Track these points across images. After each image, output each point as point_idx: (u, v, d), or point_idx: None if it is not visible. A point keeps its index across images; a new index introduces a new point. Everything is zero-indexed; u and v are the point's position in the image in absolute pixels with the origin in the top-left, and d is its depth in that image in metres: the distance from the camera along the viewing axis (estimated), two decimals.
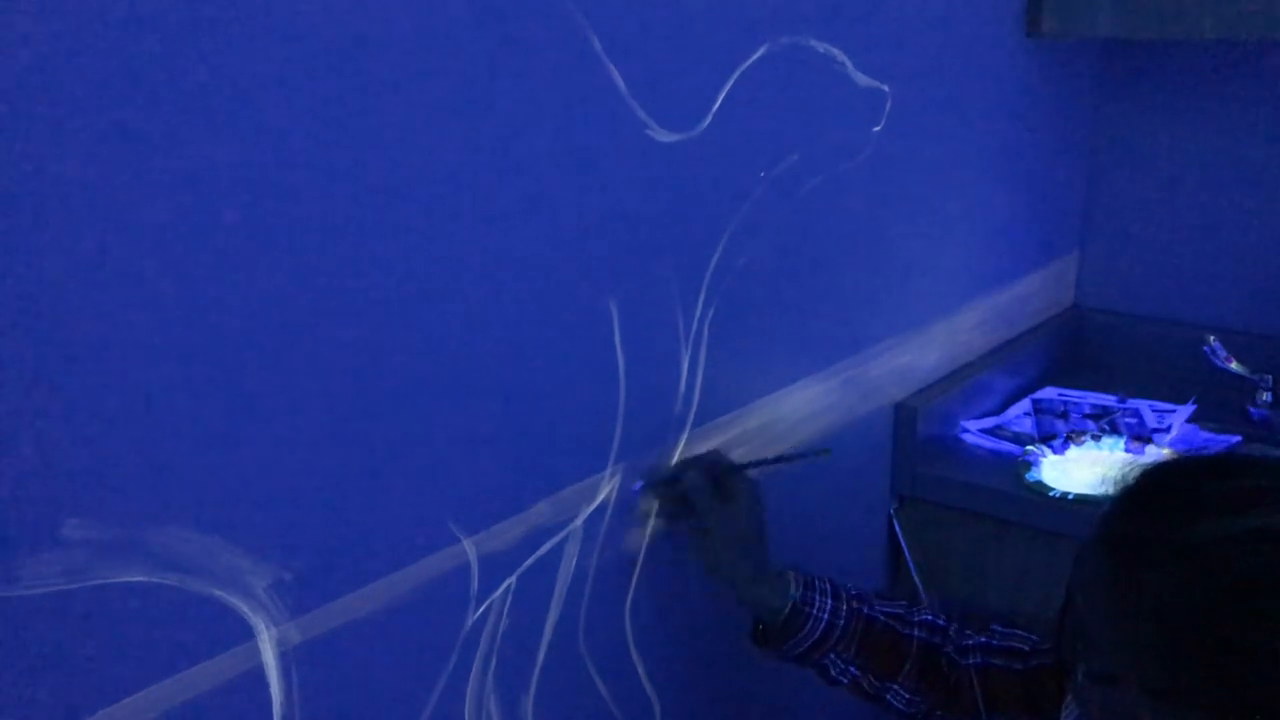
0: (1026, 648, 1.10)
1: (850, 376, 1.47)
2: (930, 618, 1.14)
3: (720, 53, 1.14)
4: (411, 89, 0.86)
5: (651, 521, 1.18)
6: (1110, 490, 0.86)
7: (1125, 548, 0.81)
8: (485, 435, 0.99)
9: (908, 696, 1.13)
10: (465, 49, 0.90)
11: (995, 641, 1.11)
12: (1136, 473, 0.85)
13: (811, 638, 1.12)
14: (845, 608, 1.13)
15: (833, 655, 1.13)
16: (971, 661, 1.10)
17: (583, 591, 1.12)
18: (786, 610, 1.12)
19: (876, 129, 1.40)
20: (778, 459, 1.23)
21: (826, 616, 1.12)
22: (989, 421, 1.73)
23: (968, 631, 1.13)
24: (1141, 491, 0.84)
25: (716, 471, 1.15)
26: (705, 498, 1.12)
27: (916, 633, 1.13)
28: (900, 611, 1.15)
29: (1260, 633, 0.75)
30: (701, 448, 1.21)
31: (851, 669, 1.13)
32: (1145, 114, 1.94)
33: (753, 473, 1.18)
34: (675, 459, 1.19)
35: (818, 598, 1.13)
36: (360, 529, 0.89)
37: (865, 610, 1.13)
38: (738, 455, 1.24)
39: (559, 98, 0.98)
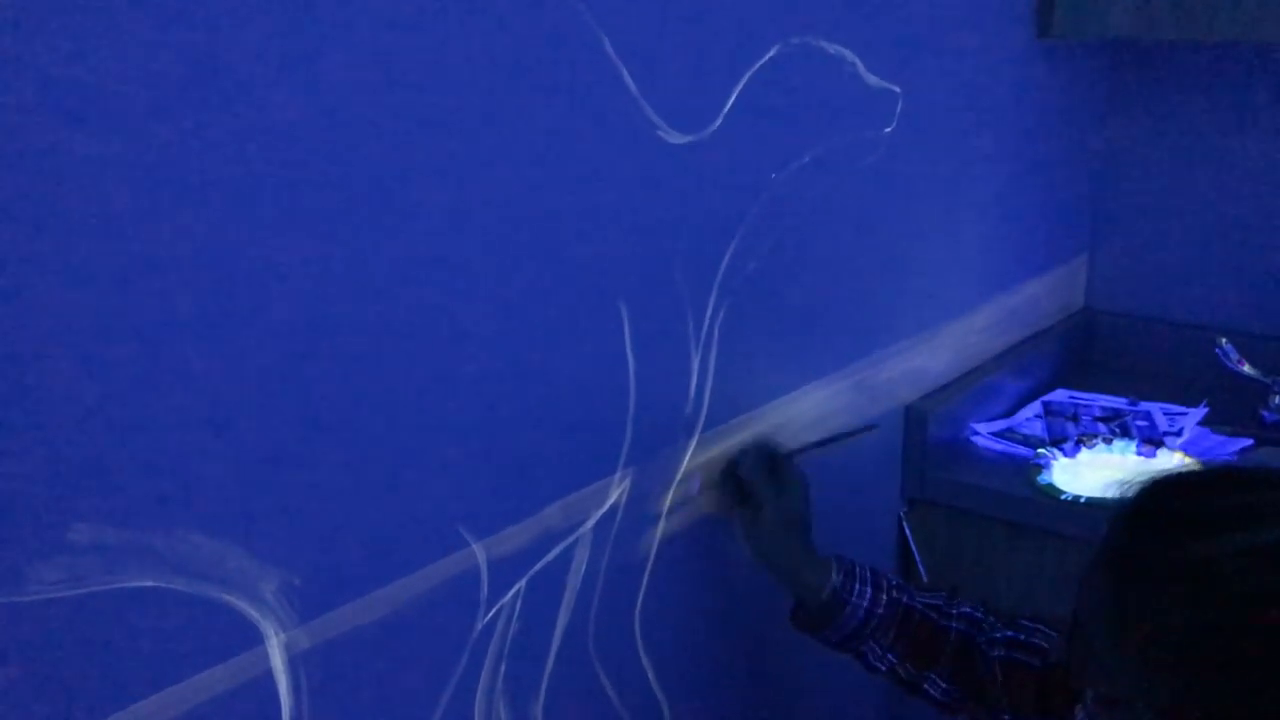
0: (1047, 645, 1.09)
1: (860, 379, 1.46)
2: (969, 609, 1.15)
3: (731, 54, 1.14)
4: (421, 90, 0.86)
5: (661, 525, 1.18)
6: (1112, 505, 0.85)
7: (1129, 569, 0.80)
8: (495, 439, 0.98)
9: (944, 686, 1.13)
10: (475, 51, 0.89)
11: (1021, 636, 1.11)
12: (1135, 491, 0.84)
13: (850, 625, 1.13)
14: (885, 597, 1.14)
15: (871, 642, 1.14)
16: (997, 654, 1.10)
17: (592, 595, 1.11)
18: (826, 596, 1.13)
19: (888, 130, 1.39)
20: (825, 441, 1.24)
21: (866, 604, 1.13)
22: (999, 424, 1.72)
23: (997, 623, 1.13)
24: (1142, 511, 0.83)
25: (769, 458, 1.18)
26: (760, 484, 1.16)
27: (954, 624, 1.13)
28: (939, 603, 1.15)
29: (1271, 649, 0.74)
30: (712, 451, 1.21)
31: (889, 656, 1.14)
32: (1156, 115, 1.93)
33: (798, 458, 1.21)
34: (686, 460, 1.18)
35: (858, 585, 1.14)
36: (369, 533, 0.89)
37: (905, 600, 1.14)
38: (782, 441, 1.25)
39: (570, 99, 0.98)
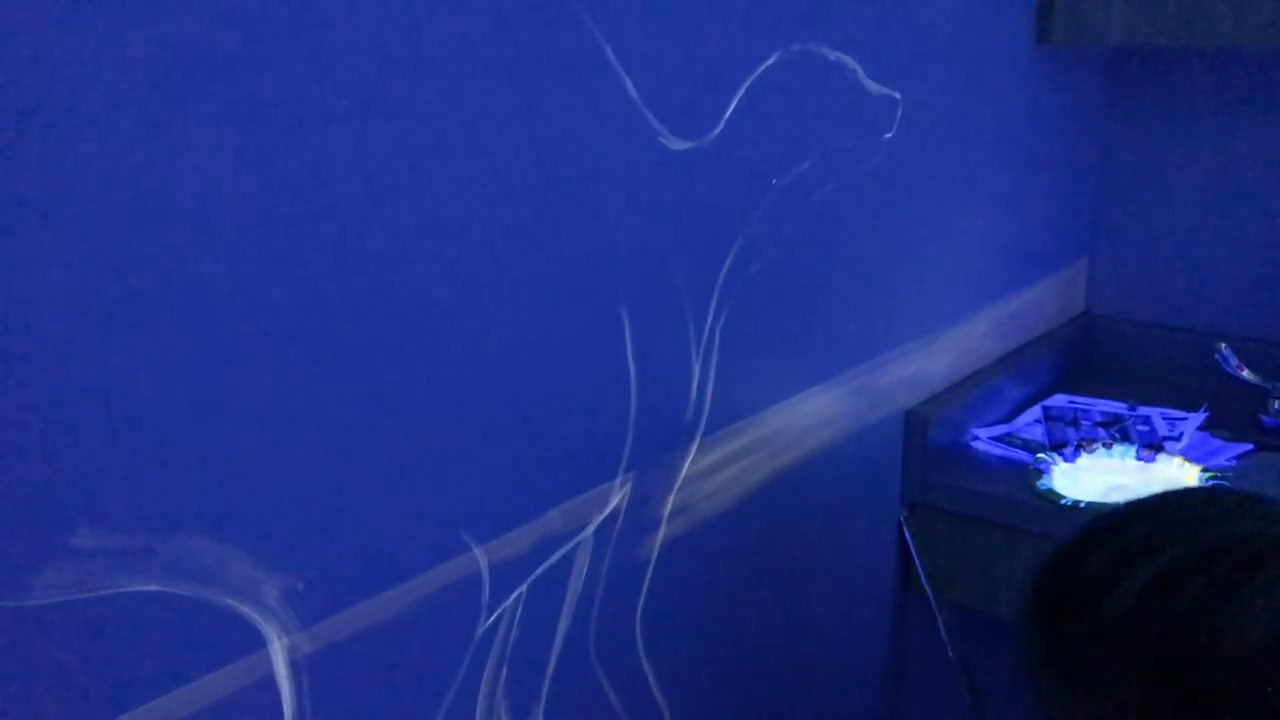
0: None
1: (861, 384, 1.46)
2: None
3: (732, 60, 1.14)
4: (424, 96, 0.86)
5: (662, 529, 1.18)
6: (1013, 613, 0.84)
7: (1056, 660, 0.79)
8: (496, 444, 0.98)
9: None
10: (479, 58, 0.90)
11: None
12: (1036, 575, 0.83)
13: None
14: None
15: None
16: None
17: (593, 600, 1.11)
18: None
19: (888, 136, 1.39)
20: None
21: None
22: (999, 429, 1.72)
23: None
24: (1045, 594, 0.82)
25: None
26: None
27: None
28: None
29: (1203, 678, 0.74)
30: (712, 457, 1.21)
31: None
32: (1156, 121, 1.93)
33: None
34: (687, 465, 1.19)
35: None
36: (371, 537, 0.89)
37: None
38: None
39: (572, 105, 0.98)
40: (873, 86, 1.34)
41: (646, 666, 1.20)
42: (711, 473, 1.23)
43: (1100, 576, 0.78)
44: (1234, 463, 1.63)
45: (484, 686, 1.01)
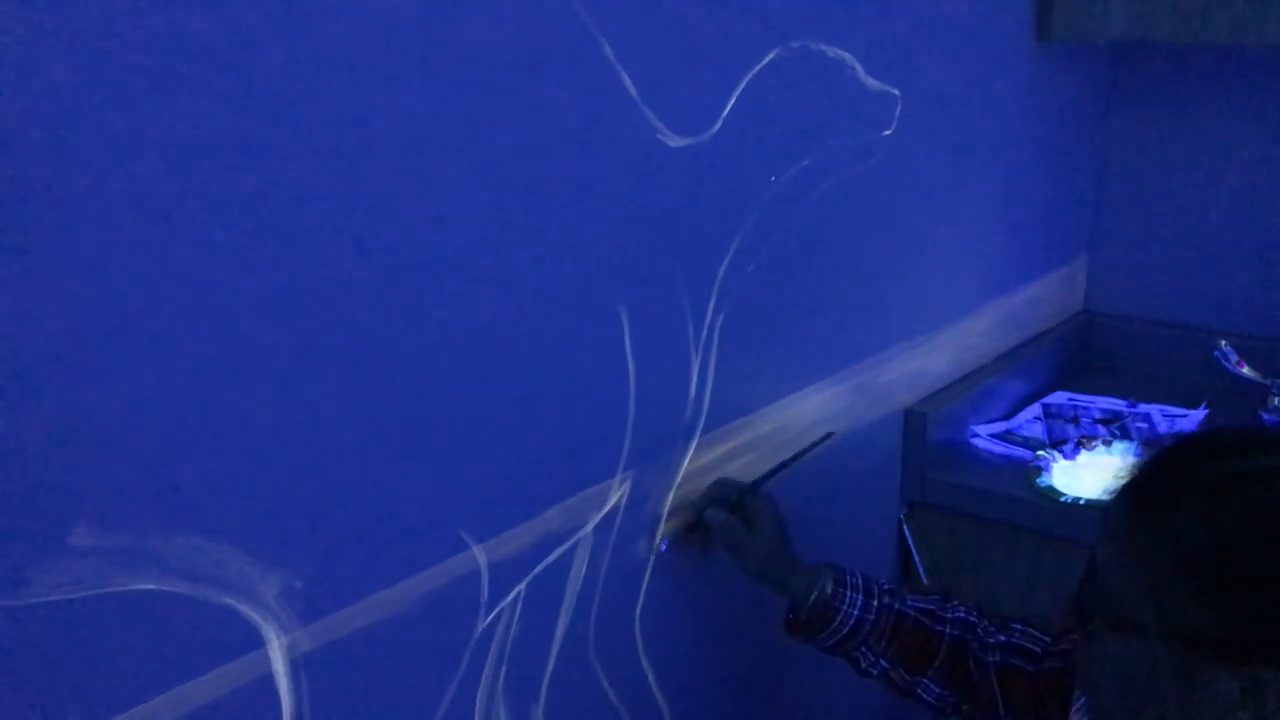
0: (1038, 649, 1.10)
1: (860, 382, 1.46)
2: (963, 614, 1.16)
3: (731, 58, 1.14)
4: (423, 94, 0.86)
5: (662, 528, 1.18)
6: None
7: (1147, 490, 0.81)
8: (495, 442, 0.98)
9: (937, 691, 1.14)
10: (478, 55, 0.89)
11: (1014, 640, 1.11)
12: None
13: (841, 632, 1.15)
14: (877, 603, 1.15)
15: (864, 648, 1.15)
16: (992, 659, 1.11)
17: (592, 598, 1.11)
18: (817, 604, 1.15)
19: (887, 133, 1.39)
20: (785, 463, 1.24)
21: (857, 612, 1.14)
22: (999, 426, 1.72)
23: (991, 628, 1.13)
24: (1166, 446, 0.85)
25: (731, 500, 1.19)
26: (730, 531, 1.17)
27: (948, 630, 1.14)
28: (932, 607, 1.16)
29: (1276, 564, 0.74)
30: (710, 455, 1.21)
31: (882, 662, 1.16)
32: (1155, 118, 1.93)
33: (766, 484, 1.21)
34: (686, 462, 1.18)
35: (849, 593, 1.15)
36: (370, 536, 0.89)
37: (897, 606, 1.15)
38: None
39: (571, 103, 0.98)
40: (872, 83, 1.34)
41: (646, 664, 1.20)
42: (711, 470, 1.23)
43: (1230, 443, 0.81)
44: None
45: (483, 684, 1.01)
